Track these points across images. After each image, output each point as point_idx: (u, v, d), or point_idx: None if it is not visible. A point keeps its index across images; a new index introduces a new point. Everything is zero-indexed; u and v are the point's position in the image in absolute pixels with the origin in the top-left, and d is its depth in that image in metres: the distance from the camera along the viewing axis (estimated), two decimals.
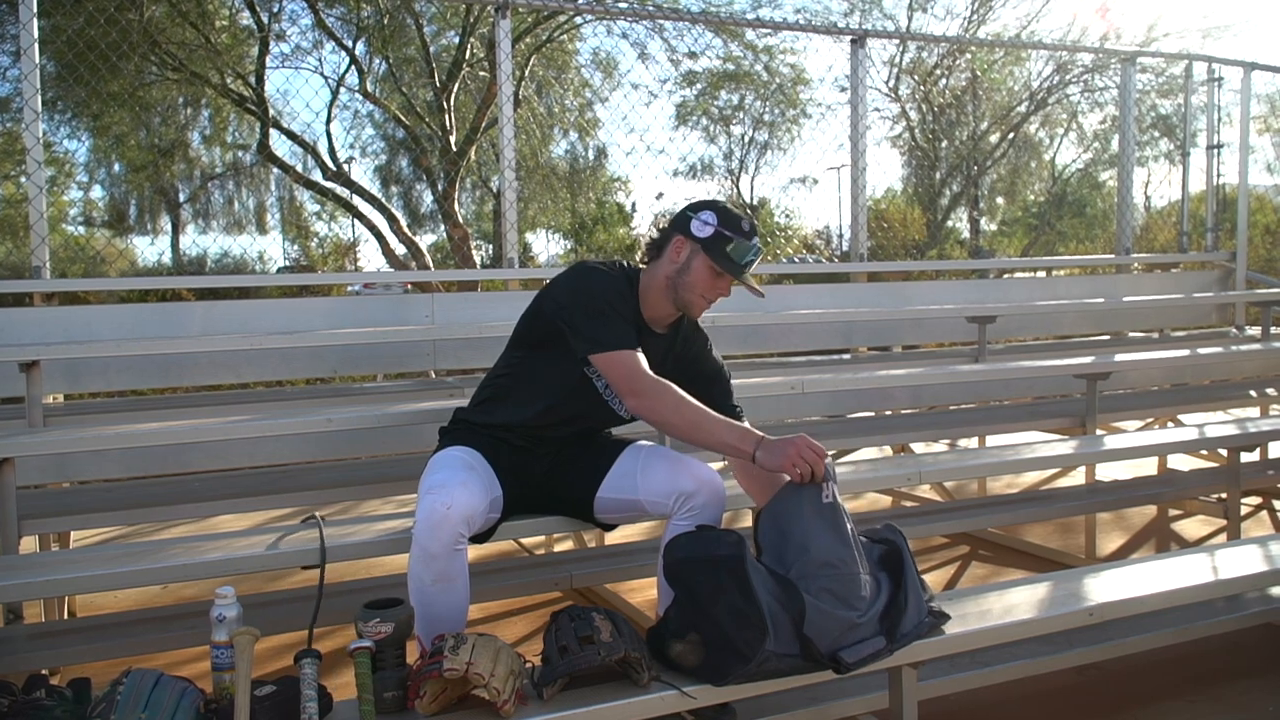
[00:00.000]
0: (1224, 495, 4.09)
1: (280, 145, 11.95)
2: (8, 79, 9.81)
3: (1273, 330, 5.69)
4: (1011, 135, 15.62)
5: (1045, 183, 17.01)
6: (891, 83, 14.08)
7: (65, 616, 3.64)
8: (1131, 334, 6.33)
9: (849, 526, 2.21)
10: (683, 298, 2.48)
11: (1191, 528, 4.93)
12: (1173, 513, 5.12)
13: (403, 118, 12.41)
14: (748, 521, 3.03)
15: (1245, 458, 4.03)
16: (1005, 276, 7.73)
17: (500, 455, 2.50)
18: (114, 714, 1.72)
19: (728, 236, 2.43)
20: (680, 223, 2.49)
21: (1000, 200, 17.65)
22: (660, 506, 2.46)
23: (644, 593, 3.79)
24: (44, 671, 2.45)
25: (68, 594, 3.61)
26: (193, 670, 2.18)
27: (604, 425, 2.65)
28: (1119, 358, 4.71)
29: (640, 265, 2.56)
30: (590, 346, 2.36)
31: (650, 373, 2.35)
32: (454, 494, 2.25)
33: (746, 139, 14.43)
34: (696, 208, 2.50)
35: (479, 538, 2.49)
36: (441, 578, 2.24)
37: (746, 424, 2.44)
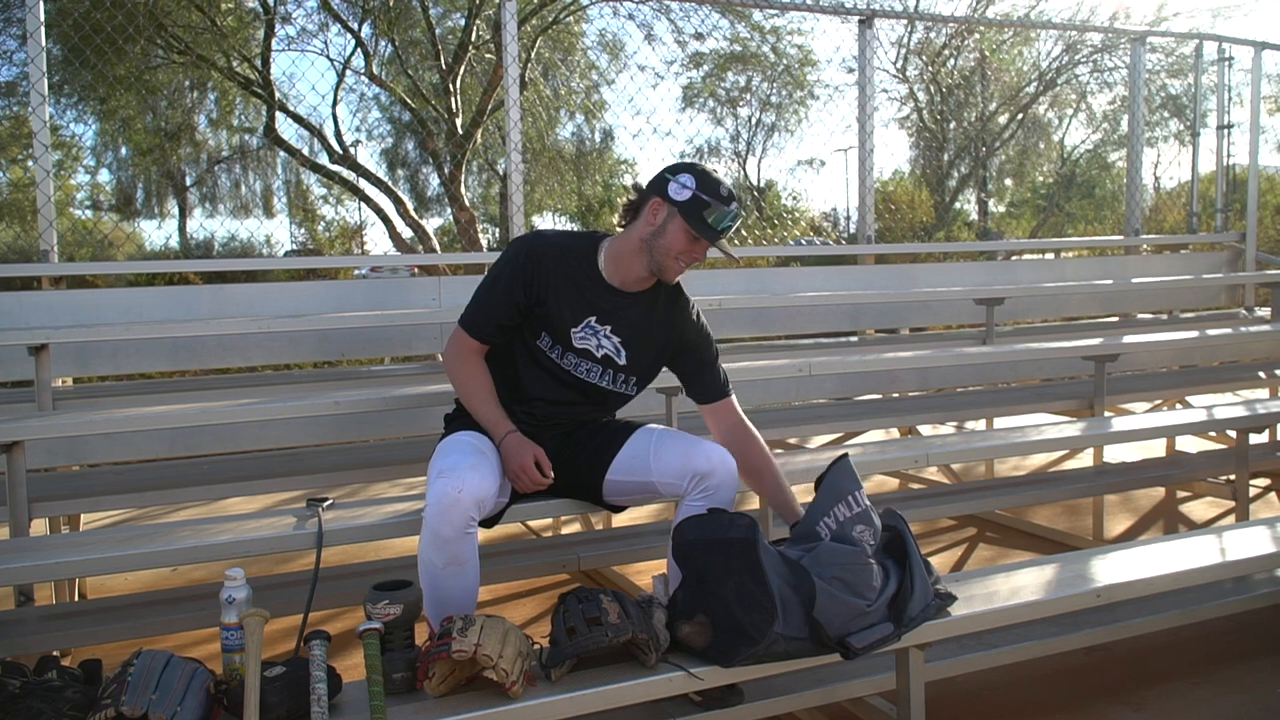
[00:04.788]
0: (1232, 477, 4.08)
1: (286, 128, 11.95)
2: (14, 63, 9.83)
3: None
4: (1020, 116, 15.52)
5: (1054, 164, 16.91)
6: (899, 64, 14.01)
7: (76, 598, 3.66)
8: (1140, 316, 6.30)
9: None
10: (658, 261, 2.45)
11: (1200, 510, 4.92)
12: (1181, 494, 5.11)
13: (409, 100, 12.37)
14: (754, 504, 3.04)
15: (1254, 439, 4.04)
16: (1013, 258, 7.70)
17: None
18: (125, 695, 1.73)
19: (705, 201, 2.39)
20: (658, 184, 2.45)
21: (1008, 182, 17.56)
22: (674, 488, 2.45)
23: (651, 575, 3.79)
24: (55, 653, 2.48)
25: (78, 576, 3.63)
26: (203, 651, 2.20)
27: (597, 401, 2.58)
28: (1127, 339, 4.70)
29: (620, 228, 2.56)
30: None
31: (463, 354, 2.49)
32: (465, 477, 2.24)
33: (753, 121, 14.40)
34: (675, 170, 2.45)
35: (486, 522, 2.49)
36: (452, 561, 2.24)
37: (733, 400, 2.55)
